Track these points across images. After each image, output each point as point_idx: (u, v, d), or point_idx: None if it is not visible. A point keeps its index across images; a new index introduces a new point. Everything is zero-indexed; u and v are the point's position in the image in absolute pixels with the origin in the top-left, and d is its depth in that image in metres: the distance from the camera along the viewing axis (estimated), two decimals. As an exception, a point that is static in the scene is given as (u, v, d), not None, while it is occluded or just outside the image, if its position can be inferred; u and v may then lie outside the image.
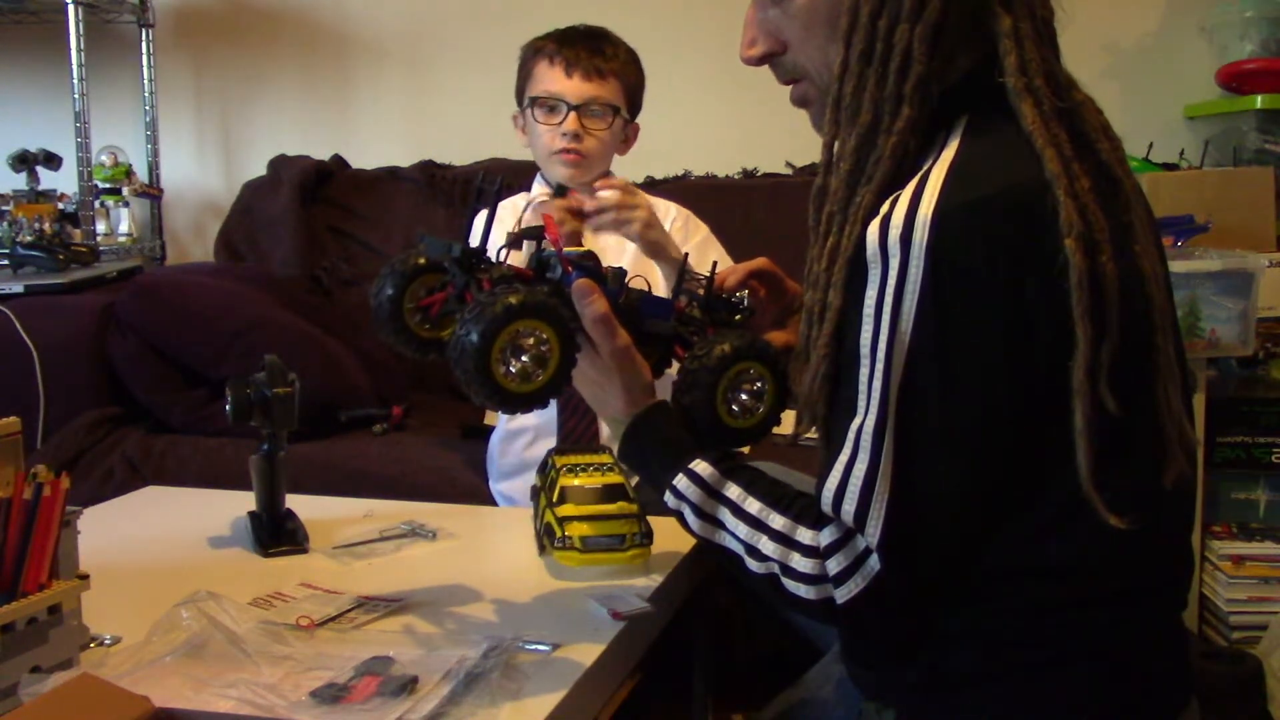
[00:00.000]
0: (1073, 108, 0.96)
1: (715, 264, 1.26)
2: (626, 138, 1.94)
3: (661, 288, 1.75)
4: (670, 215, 1.94)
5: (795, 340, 1.06)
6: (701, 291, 1.22)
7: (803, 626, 1.32)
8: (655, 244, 1.69)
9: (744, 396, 1.16)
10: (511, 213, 2.07)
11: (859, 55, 0.97)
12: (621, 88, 1.89)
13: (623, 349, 1.11)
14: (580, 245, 1.78)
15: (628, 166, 2.07)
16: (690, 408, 1.14)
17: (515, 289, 1.03)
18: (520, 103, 1.95)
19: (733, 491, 1.05)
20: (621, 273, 1.15)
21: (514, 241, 1.15)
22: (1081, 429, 0.89)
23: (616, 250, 1.86)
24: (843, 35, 0.98)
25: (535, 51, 1.91)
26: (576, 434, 1.87)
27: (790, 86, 1.09)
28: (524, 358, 1.02)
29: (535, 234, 1.14)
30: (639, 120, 1.97)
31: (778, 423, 1.19)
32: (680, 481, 1.08)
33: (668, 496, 1.10)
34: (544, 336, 1.03)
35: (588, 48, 1.88)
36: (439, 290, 1.12)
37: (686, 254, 1.34)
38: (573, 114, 1.85)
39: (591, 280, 1.10)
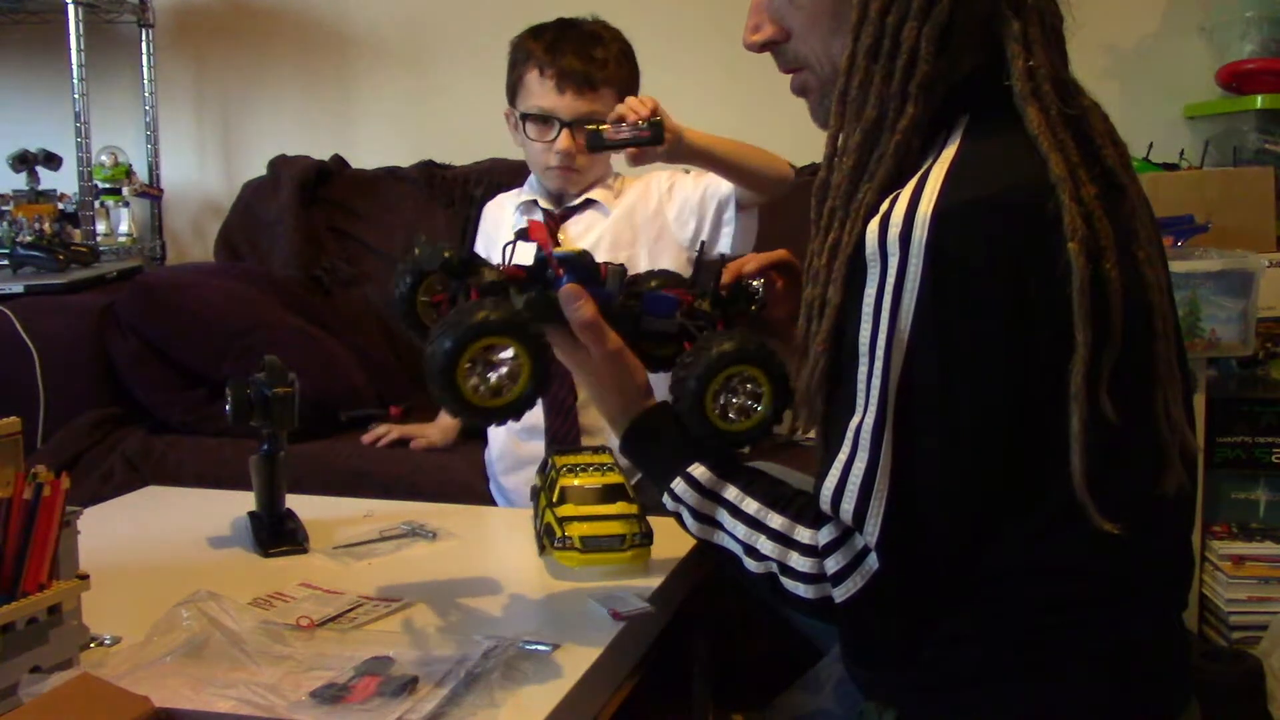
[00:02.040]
0: (1079, 113, 0.96)
1: (723, 256, 1.24)
2: None
3: (641, 265, 1.71)
4: (672, 178, 1.93)
5: None
6: (715, 284, 1.21)
7: (803, 626, 1.32)
8: (681, 151, 1.61)
9: (736, 400, 1.14)
10: (497, 210, 2.07)
11: (866, 50, 0.97)
12: (615, 96, 1.82)
13: (613, 353, 1.11)
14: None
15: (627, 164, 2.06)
16: (680, 415, 1.13)
17: (493, 302, 1.02)
18: (511, 100, 1.93)
19: (730, 493, 1.06)
20: (622, 271, 1.14)
21: (504, 248, 1.14)
22: (1077, 433, 0.89)
23: (590, 246, 1.84)
24: (851, 29, 0.98)
25: (527, 56, 1.88)
26: (561, 435, 1.87)
27: (790, 75, 1.09)
28: (493, 374, 1.02)
29: (520, 238, 1.14)
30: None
31: (778, 424, 1.19)
32: (678, 485, 1.08)
33: (666, 499, 1.10)
34: (513, 354, 1.02)
35: (579, 56, 1.83)
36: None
37: (703, 243, 1.33)
38: (565, 131, 1.83)
39: (580, 285, 1.09)
